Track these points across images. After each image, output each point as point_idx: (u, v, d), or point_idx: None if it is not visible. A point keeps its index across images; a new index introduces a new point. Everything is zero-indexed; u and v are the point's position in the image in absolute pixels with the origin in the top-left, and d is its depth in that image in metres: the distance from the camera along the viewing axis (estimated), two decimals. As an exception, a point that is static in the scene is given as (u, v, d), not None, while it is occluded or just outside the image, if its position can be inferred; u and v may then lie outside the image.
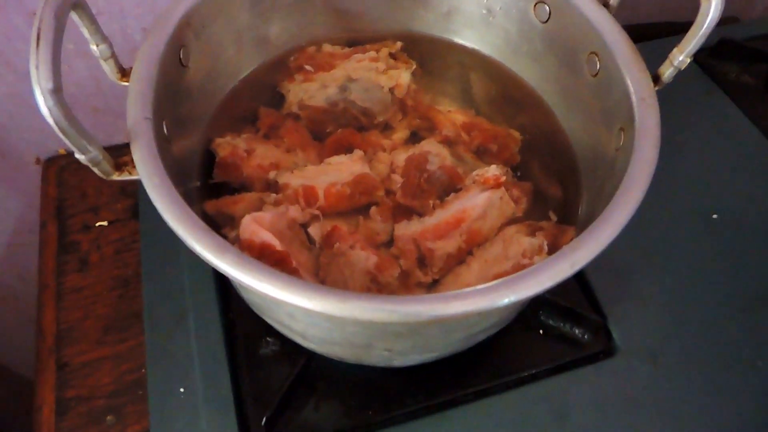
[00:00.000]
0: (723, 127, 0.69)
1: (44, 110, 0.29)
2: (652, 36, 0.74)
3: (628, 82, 0.40)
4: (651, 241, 0.59)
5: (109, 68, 0.39)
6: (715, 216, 0.61)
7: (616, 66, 0.42)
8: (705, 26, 0.37)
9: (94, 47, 0.37)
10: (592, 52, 0.45)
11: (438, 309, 0.29)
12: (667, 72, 0.41)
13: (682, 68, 0.40)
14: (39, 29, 0.29)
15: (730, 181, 0.64)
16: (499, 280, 0.30)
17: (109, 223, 0.66)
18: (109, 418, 0.52)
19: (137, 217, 0.65)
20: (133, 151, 0.34)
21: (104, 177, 0.34)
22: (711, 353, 0.53)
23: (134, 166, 0.34)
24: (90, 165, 0.33)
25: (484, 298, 0.29)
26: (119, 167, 0.34)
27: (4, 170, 0.73)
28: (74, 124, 0.30)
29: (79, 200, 0.68)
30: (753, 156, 0.67)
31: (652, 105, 0.39)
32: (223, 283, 0.55)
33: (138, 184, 0.61)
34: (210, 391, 0.49)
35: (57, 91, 0.29)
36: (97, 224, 0.65)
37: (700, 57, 0.74)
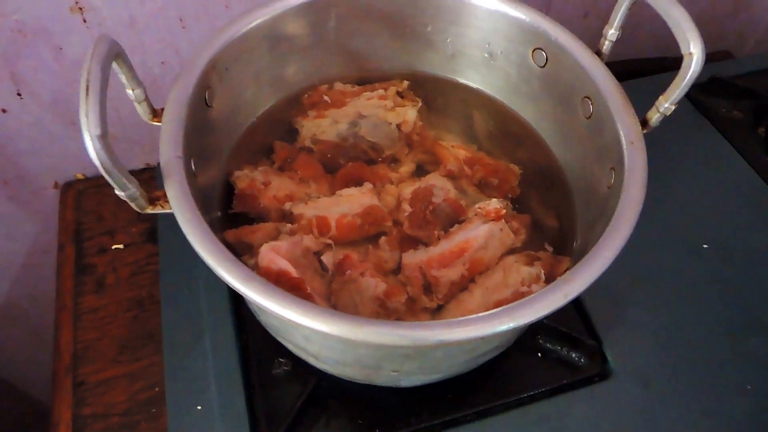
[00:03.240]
0: (714, 160, 0.71)
1: (92, 153, 0.32)
2: (645, 71, 0.77)
3: (619, 126, 0.43)
4: (644, 269, 0.60)
5: (142, 110, 0.42)
6: (705, 246, 0.63)
7: (607, 110, 0.44)
8: (687, 78, 0.40)
9: (129, 91, 0.40)
10: (585, 96, 0.48)
11: (444, 334, 0.31)
12: (654, 117, 0.44)
13: (668, 114, 0.43)
14: (87, 80, 0.32)
15: (720, 213, 0.66)
16: (500, 308, 0.33)
17: (125, 246, 0.67)
18: None
19: (152, 241, 0.67)
20: (166, 188, 0.37)
21: (139, 211, 0.37)
22: (701, 377, 0.54)
23: (167, 201, 0.37)
24: (128, 200, 0.36)
25: (485, 325, 0.32)
26: (152, 202, 0.37)
27: (22, 194, 0.75)
28: (117, 165, 0.33)
29: (96, 224, 0.70)
30: (742, 188, 0.68)
31: (640, 148, 0.41)
32: (237, 306, 0.57)
33: None
34: (225, 409, 0.51)
35: (104, 137, 0.32)
36: (113, 247, 0.67)
37: (692, 93, 0.77)
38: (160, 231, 0.64)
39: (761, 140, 0.73)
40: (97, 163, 0.32)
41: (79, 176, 0.75)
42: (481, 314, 0.32)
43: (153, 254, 0.66)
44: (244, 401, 0.51)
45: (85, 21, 0.61)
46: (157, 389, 0.56)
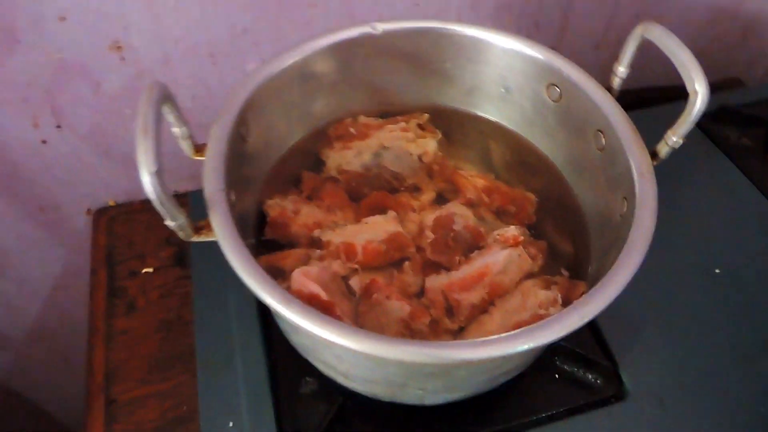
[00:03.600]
0: (724, 187, 0.72)
1: (148, 188, 0.35)
2: (657, 99, 0.78)
3: (630, 158, 0.45)
4: (658, 293, 0.61)
5: (186, 146, 0.45)
6: (717, 271, 0.64)
7: (619, 143, 0.46)
8: (693, 114, 0.42)
9: (176, 129, 0.43)
10: (598, 130, 0.50)
11: (468, 353, 0.34)
12: (663, 150, 0.46)
13: (677, 147, 0.46)
14: (144, 122, 0.35)
15: (731, 238, 0.67)
16: (520, 329, 0.35)
17: (154, 269, 0.69)
18: None
19: (180, 265, 0.69)
20: (211, 218, 0.39)
21: (185, 239, 0.40)
22: (715, 399, 0.55)
23: (210, 230, 0.40)
24: (176, 230, 0.39)
25: (506, 345, 0.34)
26: (197, 231, 0.40)
27: (56, 220, 0.78)
28: (170, 198, 0.36)
29: (126, 248, 0.71)
30: (753, 214, 0.69)
31: (651, 180, 0.43)
32: (266, 327, 0.59)
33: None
34: (256, 426, 0.52)
35: (159, 174, 0.35)
36: (144, 270, 0.69)
37: (702, 122, 0.76)
38: (192, 256, 0.66)
39: None
40: (152, 196, 0.35)
41: (111, 203, 0.78)
42: (502, 335, 0.34)
43: (181, 277, 0.68)
44: (273, 418, 0.53)
45: (123, 59, 0.64)
46: (185, 408, 0.58)
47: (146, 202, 0.76)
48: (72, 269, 0.85)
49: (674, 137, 0.45)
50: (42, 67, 0.62)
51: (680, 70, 0.43)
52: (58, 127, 0.68)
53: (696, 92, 0.42)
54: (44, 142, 0.69)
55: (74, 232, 0.80)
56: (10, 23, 0.58)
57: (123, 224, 0.75)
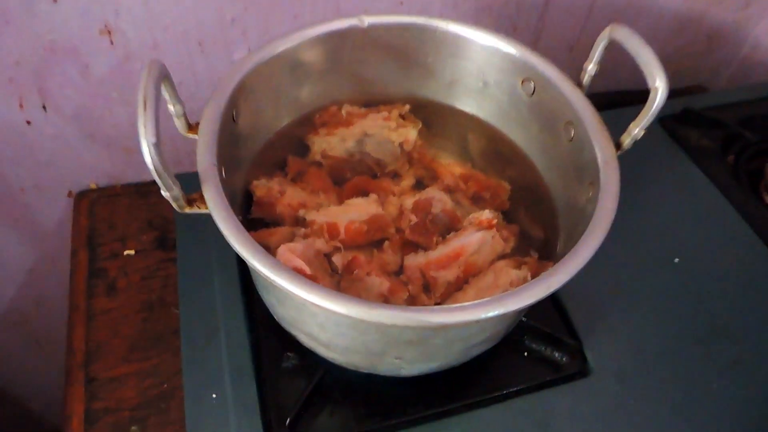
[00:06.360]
0: (685, 184, 0.76)
1: (148, 158, 0.36)
2: (624, 101, 0.80)
3: (596, 148, 0.48)
4: (621, 279, 0.65)
5: (180, 124, 0.47)
6: (677, 260, 0.68)
7: (586, 134, 0.49)
8: (654, 108, 0.45)
9: (171, 107, 0.45)
10: (568, 122, 0.53)
11: (444, 317, 0.36)
12: (626, 141, 0.49)
13: (638, 138, 0.48)
14: (145, 96, 0.37)
15: (690, 231, 0.71)
16: (492, 297, 0.38)
17: (136, 252, 0.70)
18: (133, 428, 0.56)
19: (162, 248, 0.69)
20: (204, 191, 0.41)
21: (179, 210, 0.42)
22: (672, 376, 0.58)
23: (203, 202, 0.41)
24: (171, 200, 0.41)
25: (479, 310, 0.36)
26: (190, 203, 0.42)
27: (37, 202, 0.78)
28: (167, 169, 0.38)
29: (108, 231, 0.72)
30: (711, 209, 0.73)
31: (614, 167, 0.46)
32: (250, 305, 0.61)
33: (166, 219, 0.66)
34: (238, 398, 0.54)
35: (157, 145, 0.36)
36: (125, 253, 0.69)
37: (666, 123, 0.82)
38: (178, 236, 0.67)
39: (729, 167, 0.78)
40: (151, 167, 0.37)
41: (92, 186, 0.78)
42: (476, 301, 0.37)
43: (163, 260, 0.69)
44: (255, 391, 0.54)
45: (112, 43, 0.65)
46: (165, 386, 0.58)
47: (128, 186, 0.79)
48: (50, 252, 0.85)
49: (636, 129, 0.48)
50: (32, 48, 0.63)
51: (643, 68, 0.46)
52: (44, 108, 0.68)
53: (656, 88, 0.45)
54: (29, 122, 0.69)
55: (54, 214, 0.81)
56: (2, 5, 0.58)
57: (104, 207, 0.75)
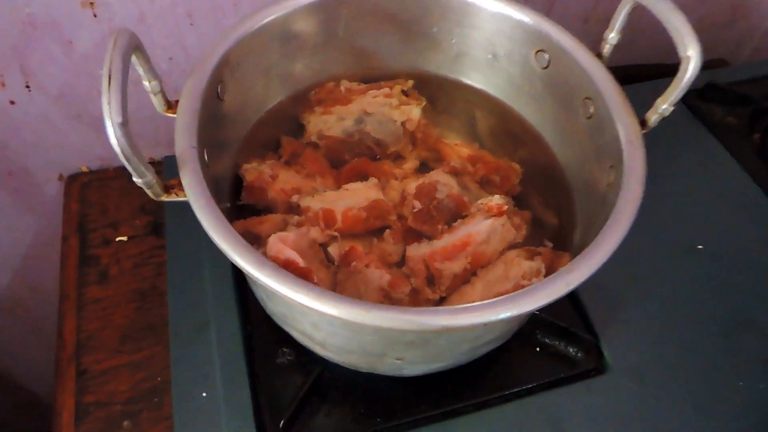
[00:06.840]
0: (708, 164, 0.73)
1: (113, 140, 0.33)
2: (645, 76, 0.78)
3: (618, 126, 0.44)
4: (640, 268, 0.62)
5: (157, 102, 0.43)
6: (700, 247, 0.65)
7: (607, 111, 0.46)
8: (684, 81, 0.41)
9: (146, 83, 0.41)
10: (586, 97, 0.49)
11: (448, 320, 0.33)
12: (652, 118, 0.45)
13: (666, 115, 0.44)
14: (110, 71, 0.33)
15: (714, 214, 0.68)
16: (502, 296, 0.34)
17: (129, 238, 0.68)
18: (125, 423, 0.54)
19: (155, 234, 0.68)
20: (182, 177, 0.38)
21: (155, 198, 0.38)
22: (694, 373, 0.56)
23: (181, 189, 0.38)
24: (144, 187, 0.37)
25: (489, 311, 0.33)
26: (167, 190, 0.39)
27: (26, 185, 0.76)
28: (137, 152, 0.34)
29: (100, 216, 0.70)
30: (735, 191, 0.70)
31: (639, 147, 0.43)
32: (242, 296, 0.58)
33: (160, 203, 0.63)
34: (230, 397, 0.52)
35: (124, 125, 0.33)
36: (117, 239, 0.68)
37: (688, 99, 0.78)
38: (167, 222, 0.65)
39: (755, 145, 0.75)
40: (117, 149, 0.33)
41: (84, 169, 0.76)
42: (485, 302, 0.33)
43: (156, 247, 0.67)
44: (248, 389, 0.52)
45: (95, 16, 0.62)
46: (159, 379, 0.57)
47: (121, 169, 0.75)
48: (43, 238, 0.83)
49: (664, 104, 0.44)
50: (9, 22, 0.59)
51: (673, 34, 0.42)
52: (27, 87, 0.66)
53: (688, 57, 0.41)
54: (12, 102, 0.67)
55: (45, 199, 0.78)
56: (-26, -25, 0.55)
57: (96, 191, 0.73)
